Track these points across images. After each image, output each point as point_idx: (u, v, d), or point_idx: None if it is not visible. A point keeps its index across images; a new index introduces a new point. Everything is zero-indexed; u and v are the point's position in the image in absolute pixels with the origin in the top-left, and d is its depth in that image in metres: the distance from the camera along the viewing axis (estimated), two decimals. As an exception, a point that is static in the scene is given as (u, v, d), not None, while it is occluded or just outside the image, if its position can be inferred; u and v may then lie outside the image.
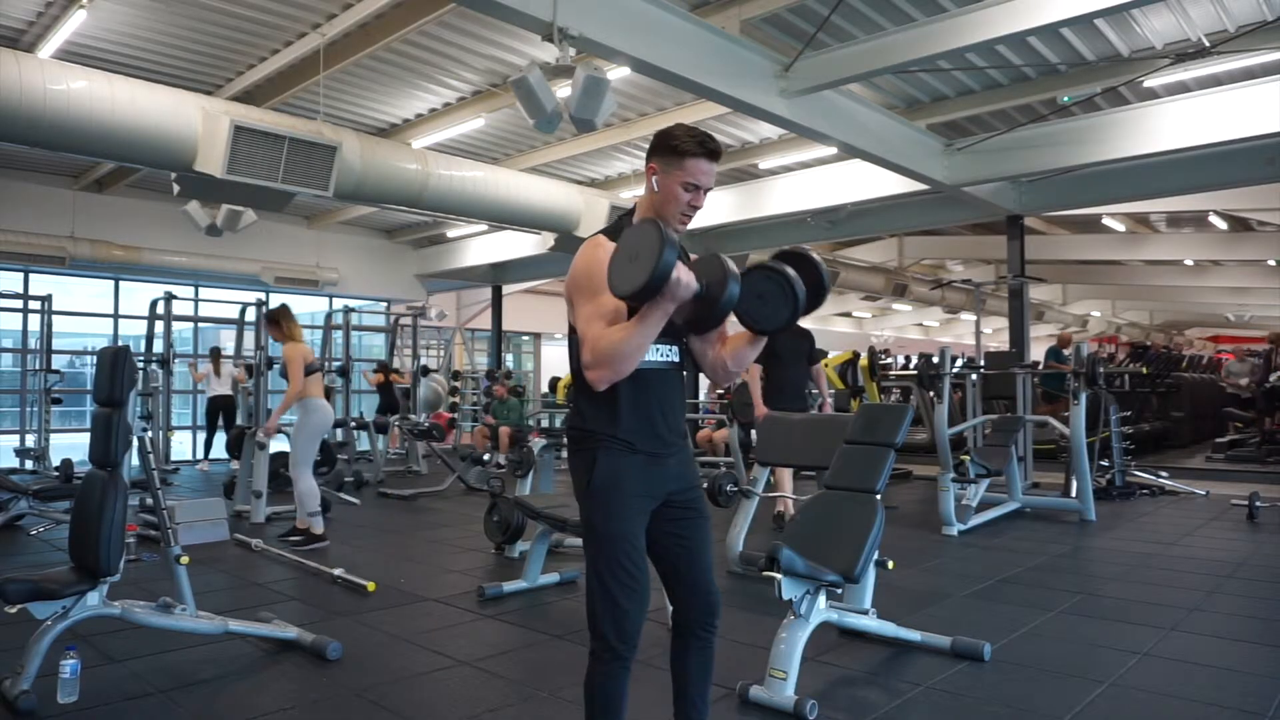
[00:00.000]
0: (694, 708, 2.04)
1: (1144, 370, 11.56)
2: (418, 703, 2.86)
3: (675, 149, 1.89)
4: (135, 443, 3.21)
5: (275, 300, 12.76)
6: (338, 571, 4.50)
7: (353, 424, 9.44)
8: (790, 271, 1.82)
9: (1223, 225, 12.64)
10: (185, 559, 3.28)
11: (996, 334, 19.79)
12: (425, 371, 10.51)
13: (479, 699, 2.88)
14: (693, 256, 2.04)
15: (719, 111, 7.62)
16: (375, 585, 4.28)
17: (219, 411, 10.12)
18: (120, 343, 12.14)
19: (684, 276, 1.70)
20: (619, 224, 1.98)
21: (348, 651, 3.27)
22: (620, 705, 1.91)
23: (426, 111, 8.41)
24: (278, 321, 5.58)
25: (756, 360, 5.49)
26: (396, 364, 11.31)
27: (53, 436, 9.59)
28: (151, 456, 3.37)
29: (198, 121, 6.43)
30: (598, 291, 1.84)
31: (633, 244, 1.73)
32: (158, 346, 9.36)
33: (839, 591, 3.08)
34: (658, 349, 1.95)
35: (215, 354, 10.25)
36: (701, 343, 2.06)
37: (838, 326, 24.27)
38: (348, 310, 10.72)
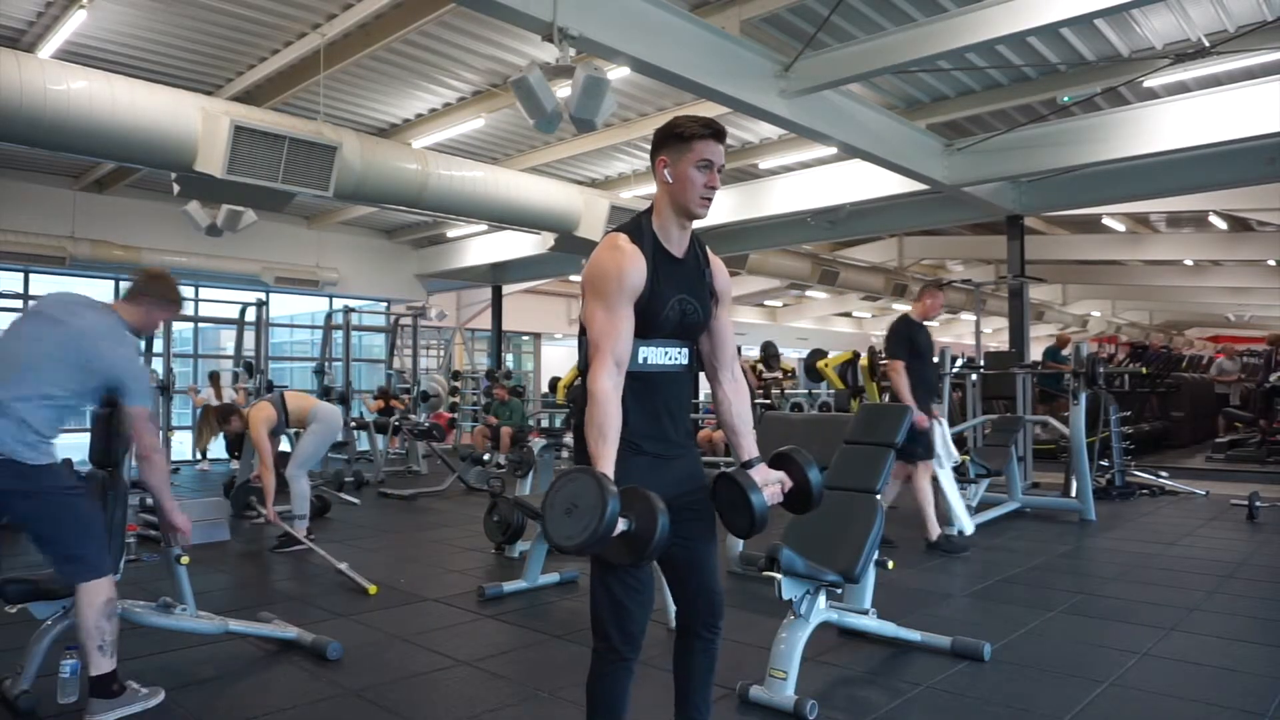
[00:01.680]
0: (695, 708, 2.03)
1: (1144, 370, 11.56)
2: (418, 703, 2.86)
3: (681, 135, 1.90)
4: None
5: (276, 300, 12.82)
6: (343, 565, 4.49)
7: (353, 424, 9.45)
8: (754, 498, 1.86)
9: (1223, 225, 12.64)
10: (185, 559, 3.28)
11: (996, 334, 19.79)
12: (425, 397, 10.53)
13: (479, 699, 2.88)
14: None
15: (719, 111, 7.58)
16: (377, 589, 4.27)
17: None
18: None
19: (618, 525, 1.66)
20: (637, 222, 1.95)
21: (348, 651, 3.27)
22: (623, 706, 1.90)
23: (426, 111, 8.41)
24: (227, 419, 5.77)
25: (897, 355, 5.33)
26: (396, 364, 11.31)
27: (52, 436, 9.57)
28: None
29: (198, 121, 6.43)
30: (612, 304, 1.84)
31: (569, 495, 1.66)
32: (156, 366, 9.34)
33: (839, 591, 3.08)
34: (667, 352, 1.95)
35: (214, 378, 10.26)
36: (714, 362, 2.09)
37: (838, 326, 24.30)
38: (348, 310, 10.72)
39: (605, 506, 1.59)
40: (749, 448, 2.04)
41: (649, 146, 1.99)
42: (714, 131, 1.90)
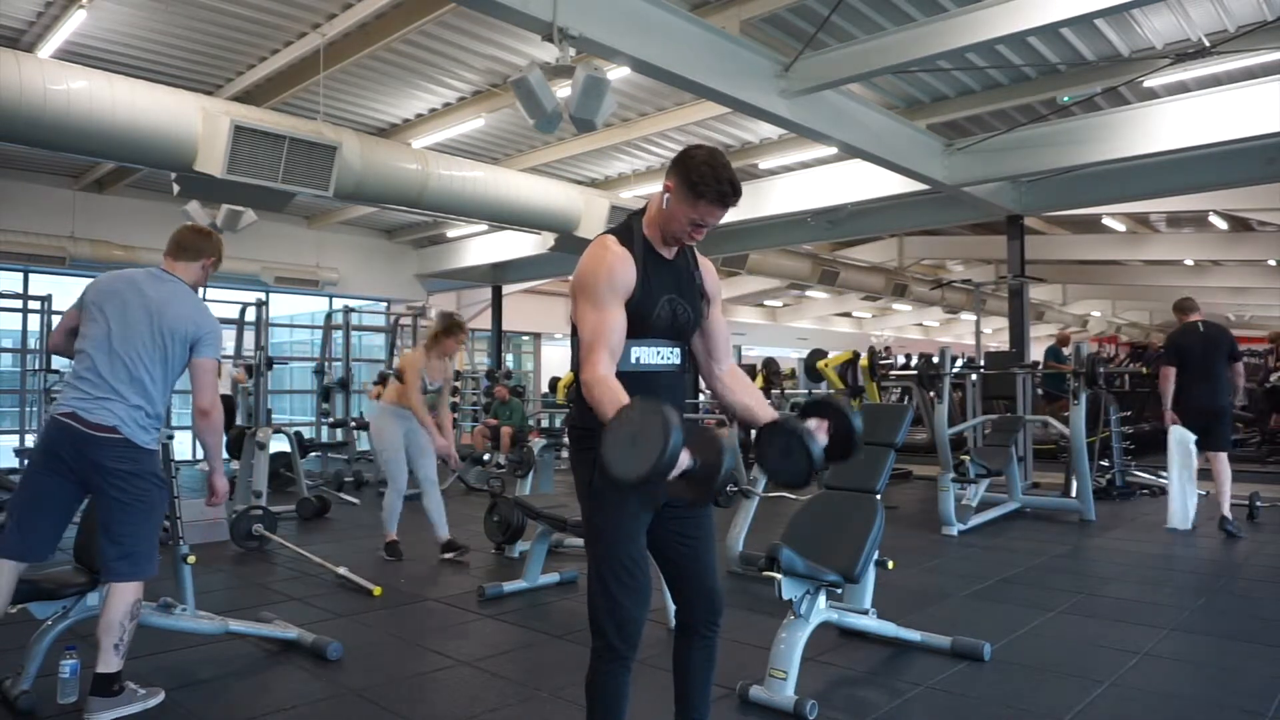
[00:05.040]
0: (695, 708, 2.04)
1: (1144, 370, 11.55)
2: (418, 703, 2.87)
3: (694, 186, 1.88)
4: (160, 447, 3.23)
5: (276, 300, 12.81)
6: (342, 570, 4.49)
7: (353, 424, 9.44)
8: (814, 444, 1.84)
9: (1223, 225, 12.64)
10: (192, 558, 3.28)
11: (996, 334, 19.79)
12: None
13: (479, 699, 2.89)
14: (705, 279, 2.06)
15: (719, 111, 7.61)
16: (381, 590, 4.25)
17: None
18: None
19: (681, 460, 1.62)
20: (628, 225, 1.97)
21: (348, 651, 3.27)
22: (622, 705, 1.91)
23: (426, 111, 8.41)
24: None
25: (1167, 363, 6.00)
26: (396, 363, 11.29)
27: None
28: (173, 463, 3.38)
29: (198, 121, 6.43)
30: (602, 302, 1.84)
31: (634, 424, 1.62)
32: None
33: (839, 591, 3.08)
34: (659, 351, 1.95)
35: None
36: (708, 359, 2.09)
37: (838, 326, 24.29)
38: (348, 310, 10.71)
39: (669, 437, 1.54)
40: (769, 411, 2.03)
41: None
42: (723, 201, 1.91)
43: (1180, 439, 5.85)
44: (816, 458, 1.84)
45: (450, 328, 5.17)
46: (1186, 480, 5.85)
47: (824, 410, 2.00)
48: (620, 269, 1.87)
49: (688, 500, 1.75)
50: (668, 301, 1.94)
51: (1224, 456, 5.93)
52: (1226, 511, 5.73)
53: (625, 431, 1.62)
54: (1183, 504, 5.84)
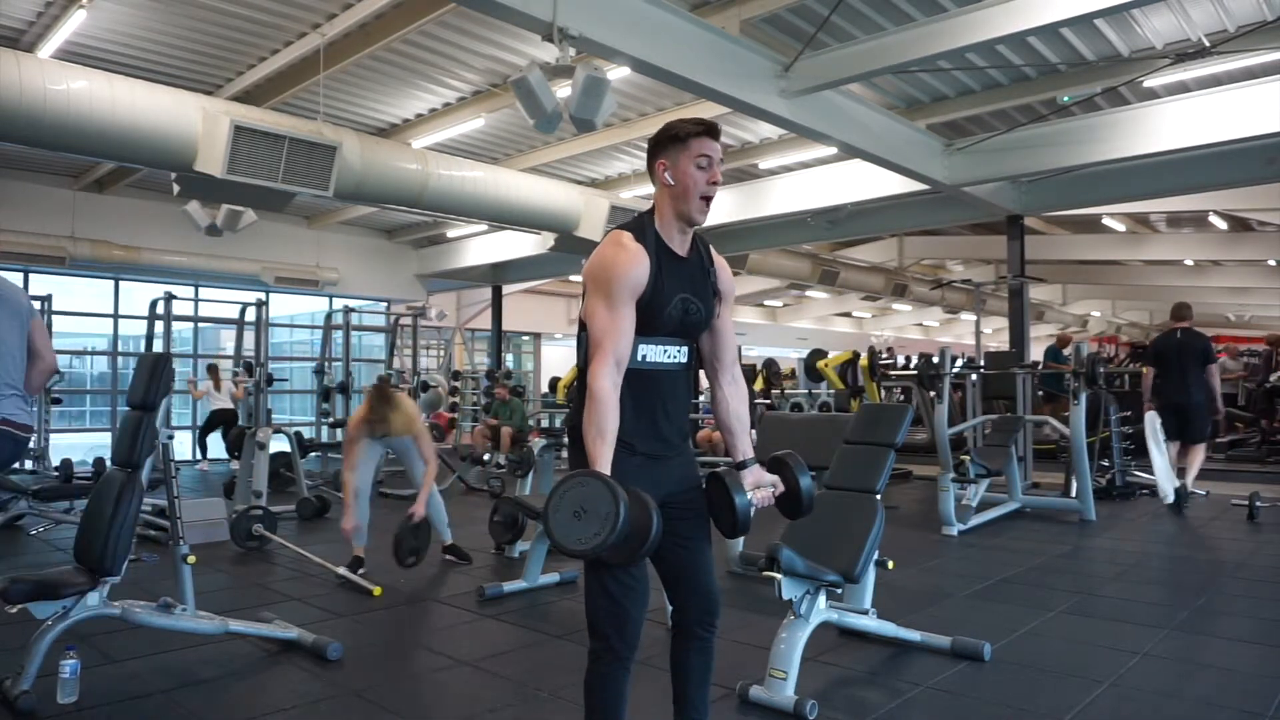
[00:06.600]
0: (694, 708, 2.03)
1: (1143, 370, 11.53)
2: (418, 703, 2.87)
3: (677, 136, 1.90)
4: (160, 447, 3.24)
5: (276, 300, 12.81)
6: (342, 570, 4.49)
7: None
8: (739, 499, 1.88)
9: (1223, 225, 12.65)
10: (192, 558, 3.28)
11: (996, 334, 19.80)
12: (425, 387, 10.51)
13: (479, 699, 2.88)
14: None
15: (719, 111, 7.59)
16: (381, 590, 4.26)
17: (220, 423, 10.12)
18: (119, 343, 12.14)
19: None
20: (640, 221, 1.95)
21: (348, 651, 3.27)
22: (621, 706, 1.90)
23: (426, 111, 8.41)
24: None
25: (1147, 363, 6.81)
26: (396, 364, 11.29)
27: (52, 436, 9.58)
28: (173, 463, 3.38)
29: (198, 121, 6.43)
30: (614, 301, 1.83)
31: (577, 498, 1.65)
32: (157, 348, 9.35)
33: (839, 591, 3.08)
34: (667, 350, 1.94)
35: (213, 370, 10.26)
36: (712, 360, 2.09)
37: (838, 326, 24.30)
38: (348, 310, 10.70)
39: (618, 514, 1.60)
40: (744, 448, 2.05)
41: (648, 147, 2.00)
42: (708, 129, 1.91)
43: (1153, 423, 6.61)
44: (740, 511, 1.88)
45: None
46: (1161, 457, 6.56)
47: (779, 466, 2.04)
48: (635, 266, 1.85)
49: (619, 560, 1.79)
50: (680, 300, 1.92)
51: (1199, 447, 6.79)
52: (1191, 486, 6.68)
53: (571, 498, 1.66)
54: (1167, 479, 6.46)
